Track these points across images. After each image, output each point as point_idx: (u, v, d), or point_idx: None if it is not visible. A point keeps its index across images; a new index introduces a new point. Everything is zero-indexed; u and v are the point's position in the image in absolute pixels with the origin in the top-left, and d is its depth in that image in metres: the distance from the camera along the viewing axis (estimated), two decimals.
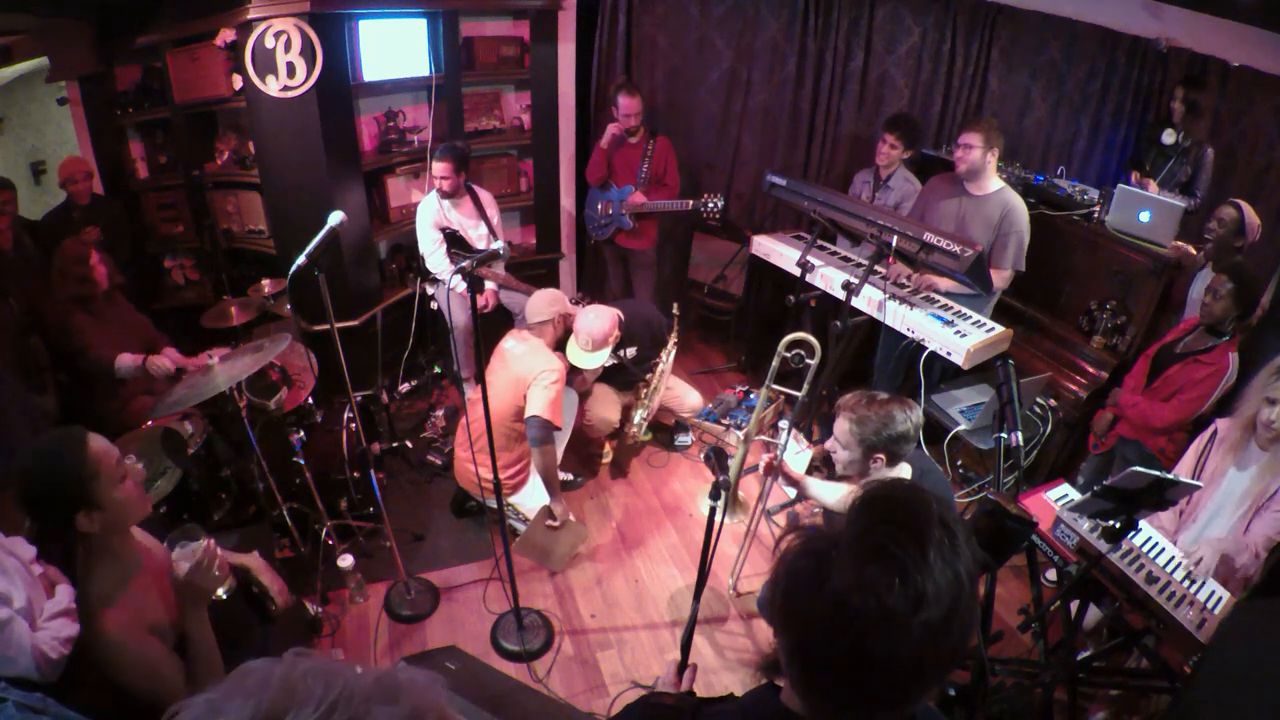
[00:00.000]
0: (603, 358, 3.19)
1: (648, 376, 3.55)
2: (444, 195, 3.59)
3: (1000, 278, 3.22)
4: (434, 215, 3.64)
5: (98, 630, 1.45)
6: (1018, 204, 3.15)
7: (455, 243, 3.69)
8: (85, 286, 2.90)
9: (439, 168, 3.50)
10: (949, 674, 0.82)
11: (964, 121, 4.12)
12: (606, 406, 3.54)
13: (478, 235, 3.75)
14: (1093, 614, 2.28)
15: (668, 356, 3.55)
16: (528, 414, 2.87)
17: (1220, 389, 2.59)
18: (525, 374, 2.92)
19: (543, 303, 3.13)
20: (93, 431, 1.52)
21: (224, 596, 1.67)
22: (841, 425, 2.09)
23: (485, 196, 3.79)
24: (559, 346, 3.17)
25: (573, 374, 3.40)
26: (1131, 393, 2.88)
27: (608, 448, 3.71)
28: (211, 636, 1.59)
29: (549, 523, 3.02)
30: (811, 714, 0.85)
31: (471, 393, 3.71)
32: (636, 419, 3.55)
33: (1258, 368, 2.31)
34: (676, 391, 3.69)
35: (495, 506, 2.52)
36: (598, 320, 3.14)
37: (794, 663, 0.82)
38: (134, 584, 1.54)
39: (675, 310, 3.57)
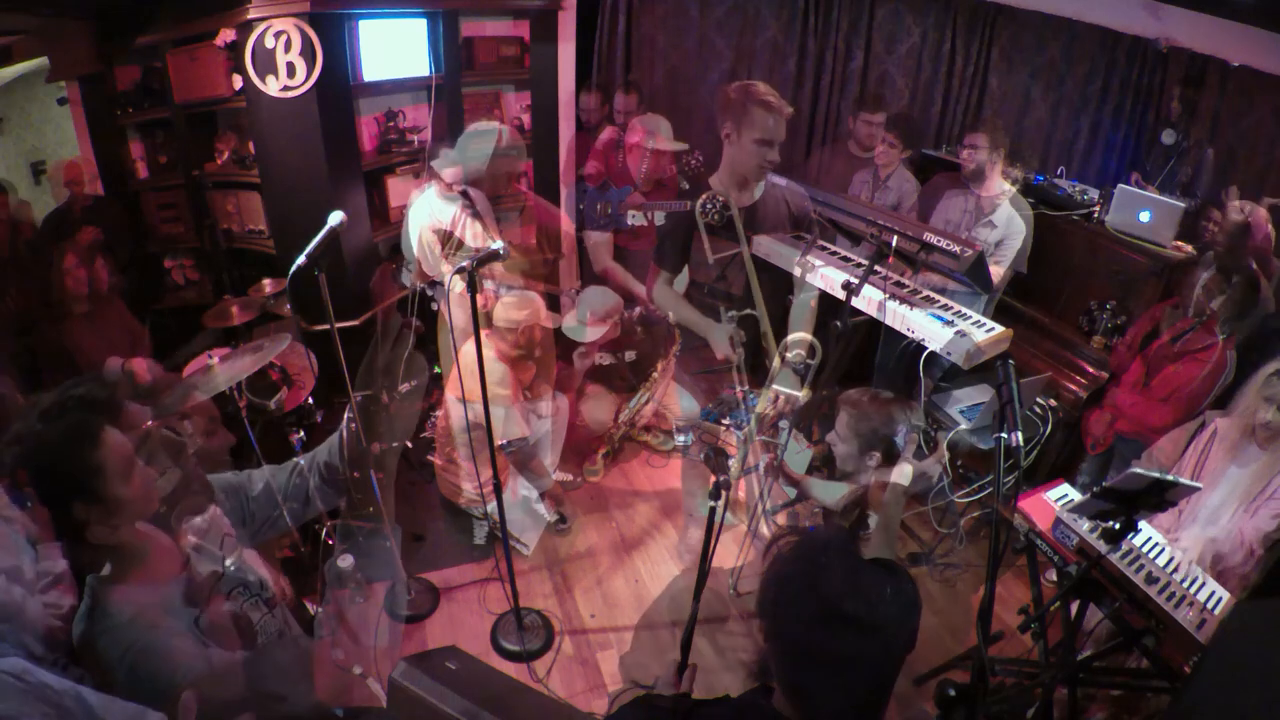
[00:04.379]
0: (594, 335, 3.16)
1: (643, 384, 3.56)
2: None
3: (997, 275, 3.22)
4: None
5: (106, 606, 1.43)
6: (1022, 206, 3.16)
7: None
8: (63, 294, 2.87)
9: None
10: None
11: (964, 121, 4.13)
12: (600, 408, 3.54)
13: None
14: (1093, 614, 2.28)
15: (664, 366, 3.55)
16: (498, 444, 2.69)
17: (1219, 387, 2.59)
18: (451, 387, 2.71)
19: (510, 306, 2.88)
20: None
21: (231, 569, 1.68)
22: (842, 418, 2.11)
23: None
24: (515, 359, 2.95)
25: (571, 348, 3.40)
26: (1130, 391, 2.87)
27: (606, 448, 3.70)
28: (227, 617, 1.60)
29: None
30: (800, 718, 0.86)
31: None
32: (620, 419, 3.57)
33: (1256, 366, 2.31)
34: (671, 395, 3.69)
35: (477, 515, 2.50)
36: (604, 298, 3.10)
37: (783, 666, 0.82)
38: (145, 566, 1.53)
39: (672, 318, 3.58)
